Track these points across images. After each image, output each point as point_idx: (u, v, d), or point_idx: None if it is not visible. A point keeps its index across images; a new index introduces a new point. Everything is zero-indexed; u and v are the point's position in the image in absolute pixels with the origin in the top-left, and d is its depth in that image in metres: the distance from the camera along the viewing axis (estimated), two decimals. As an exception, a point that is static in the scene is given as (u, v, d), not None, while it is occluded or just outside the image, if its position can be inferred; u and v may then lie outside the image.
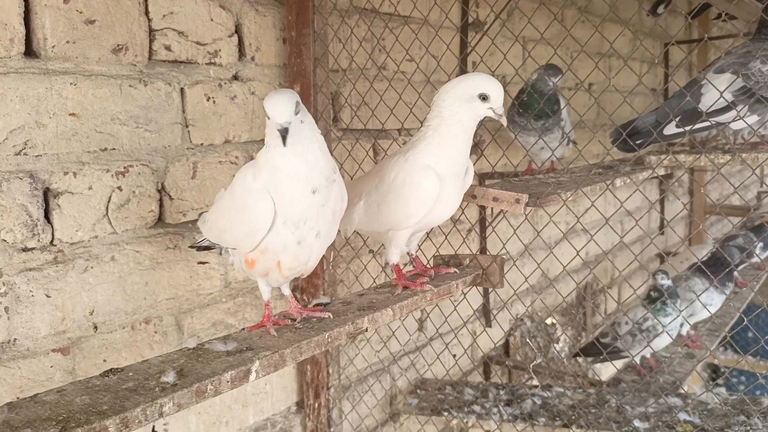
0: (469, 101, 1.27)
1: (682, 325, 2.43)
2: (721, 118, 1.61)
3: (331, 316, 1.24)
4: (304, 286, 1.89)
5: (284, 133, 1.05)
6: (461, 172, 1.36)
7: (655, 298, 2.35)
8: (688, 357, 2.64)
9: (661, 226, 4.49)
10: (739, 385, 4.49)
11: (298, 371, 2.00)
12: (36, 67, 1.32)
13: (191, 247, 1.48)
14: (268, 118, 1.07)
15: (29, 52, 1.32)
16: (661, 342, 2.40)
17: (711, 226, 5.11)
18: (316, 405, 1.97)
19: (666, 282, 2.37)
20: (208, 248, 1.42)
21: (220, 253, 1.70)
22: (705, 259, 2.60)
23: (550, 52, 1.56)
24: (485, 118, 1.30)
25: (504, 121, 1.29)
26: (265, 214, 1.10)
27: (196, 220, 1.50)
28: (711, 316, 2.13)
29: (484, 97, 1.26)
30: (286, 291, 1.28)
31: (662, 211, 4.38)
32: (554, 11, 1.51)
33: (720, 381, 4.37)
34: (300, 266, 1.19)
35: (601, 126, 3.42)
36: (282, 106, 1.05)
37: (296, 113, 1.06)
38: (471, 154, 1.36)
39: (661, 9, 2.79)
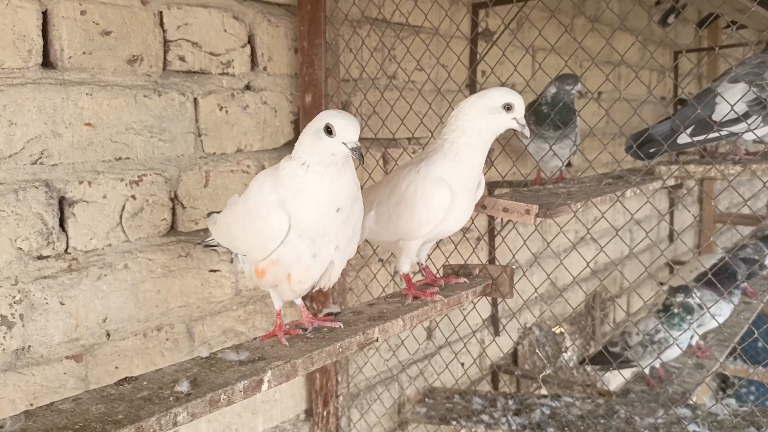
0: (493, 113, 1.28)
1: (692, 336, 2.41)
2: (735, 129, 1.61)
3: (342, 326, 1.25)
4: (314, 295, 1.89)
5: (359, 151, 1.04)
6: (473, 186, 1.36)
7: (674, 313, 2.32)
8: (697, 367, 2.62)
9: (671, 236, 4.47)
10: (749, 396, 4.46)
11: (307, 379, 2.01)
12: (53, 78, 1.34)
13: (199, 243, 1.50)
14: (331, 136, 1.05)
15: (46, 63, 1.34)
16: (672, 353, 2.39)
17: (720, 236, 5.08)
18: (325, 413, 1.98)
19: (695, 300, 2.34)
20: (216, 247, 1.43)
21: (231, 261, 1.71)
22: (713, 269, 2.58)
23: (561, 62, 1.57)
24: (506, 130, 1.31)
25: (527, 132, 1.30)
26: (280, 226, 1.10)
27: (207, 229, 1.51)
28: (719, 326, 2.13)
29: (508, 107, 1.28)
30: (298, 300, 1.29)
31: (671, 220, 4.37)
32: (564, 21, 1.52)
33: (730, 392, 4.34)
34: (310, 280, 1.18)
35: (611, 135, 3.42)
36: (354, 125, 1.05)
37: None
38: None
39: (671, 19, 2.80)
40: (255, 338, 1.21)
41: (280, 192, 1.11)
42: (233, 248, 1.28)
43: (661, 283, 3.78)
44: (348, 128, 1.04)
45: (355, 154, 1.05)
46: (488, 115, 1.28)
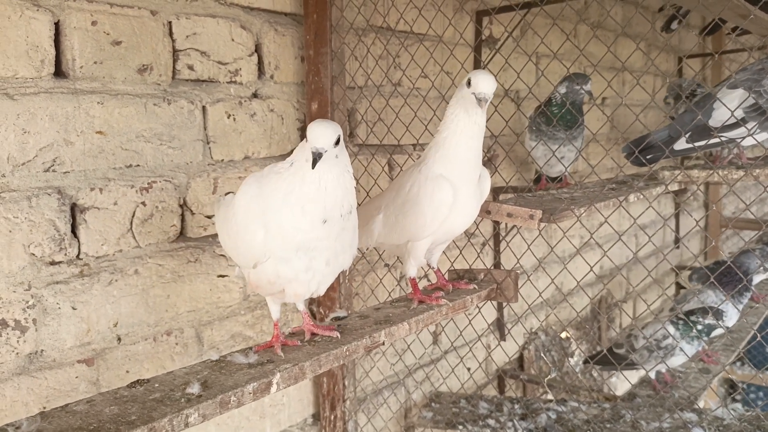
0: (461, 89, 1.30)
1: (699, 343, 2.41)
2: (732, 134, 1.63)
3: (339, 336, 1.24)
4: (320, 299, 1.91)
5: (317, 157, 1.04)
6: (474, 178, 1.37)
7: (693, 321, 2.28)
8: (703, 372, 2.63)
9: (677, 240, 4.47)
10: (756, 401, 4.44)
11: (314, 383, 2.02)
12: (65, 87, 1.37)
13: None
14: (307, 142, 1.07)
15: (58, 72, 1.37)
16: (678, 360, 2.39)
17: (727, 240, 5.07)
18: (332, 417, 1.99)
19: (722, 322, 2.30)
20: None
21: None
22: (718, 272, 2.58)
23: (564, 69, 1.58)
24: (477, 110, 1.28)
25: (482, 106, 1.26)
26: (259, 242, 1.10)
27: (216, 235, 1.48)
28: (726, 330, 2.12)
29: (469, 83, 1.27)
30: (301, 306, 1.29)
31: (677, 225, 4.37)
32: (568, 28, 1.54)
33: (737, 397, 4.32)
34: (306, 292, 1.19)
35: (615, 141, 3.43)
36: (322, 132, 1.05)
37: (335, 145, 1.06)
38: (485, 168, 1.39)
39: (674, 25, 2.82)
40: (250, 348, 1.20)
41: (264, 201, 1.10)
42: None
43: (678, 284, 3.77)
44: (314, 135, 1.05)
45: (314, 157, 1.04)
46: (458, 97, 1.30)
